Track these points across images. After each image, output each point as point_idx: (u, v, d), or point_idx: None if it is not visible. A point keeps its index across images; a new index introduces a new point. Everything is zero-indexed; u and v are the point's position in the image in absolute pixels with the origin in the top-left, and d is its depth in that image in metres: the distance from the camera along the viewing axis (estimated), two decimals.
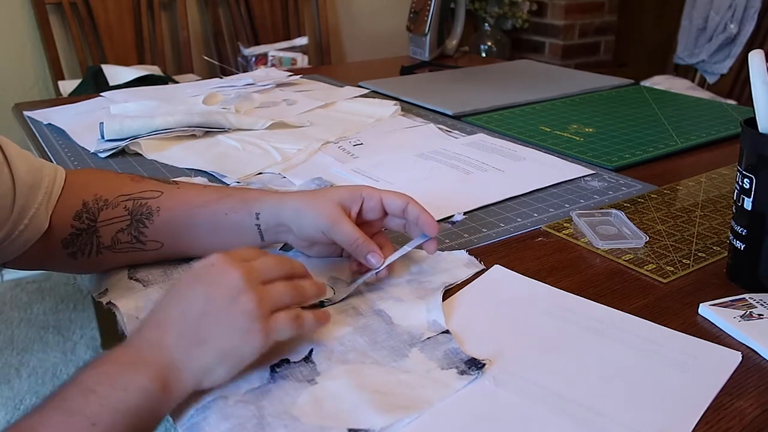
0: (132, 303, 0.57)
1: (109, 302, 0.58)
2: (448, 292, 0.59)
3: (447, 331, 0.53)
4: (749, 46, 2.13)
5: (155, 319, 0.47)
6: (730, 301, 0.57)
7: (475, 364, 0.49)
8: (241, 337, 0.45)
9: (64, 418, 0.40)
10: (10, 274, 2.18)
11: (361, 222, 0.60)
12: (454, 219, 0.63)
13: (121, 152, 0.98)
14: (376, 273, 0.58)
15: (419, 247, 0.60)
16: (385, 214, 0.61)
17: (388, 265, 0.59)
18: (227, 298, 0.46)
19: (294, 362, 0.49)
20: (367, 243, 0.58)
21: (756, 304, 0.56)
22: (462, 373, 0.48)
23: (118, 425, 0.41)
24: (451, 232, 0.71)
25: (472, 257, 0.65)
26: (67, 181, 0.63)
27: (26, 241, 0.59)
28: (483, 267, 0.64)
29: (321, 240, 0.60)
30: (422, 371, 0.48)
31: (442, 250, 0.66)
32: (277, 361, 0.49)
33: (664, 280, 0.62)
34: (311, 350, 0.51)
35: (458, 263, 0.64)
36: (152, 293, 0.58)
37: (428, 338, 0.52)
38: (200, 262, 0.48)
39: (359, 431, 0.42)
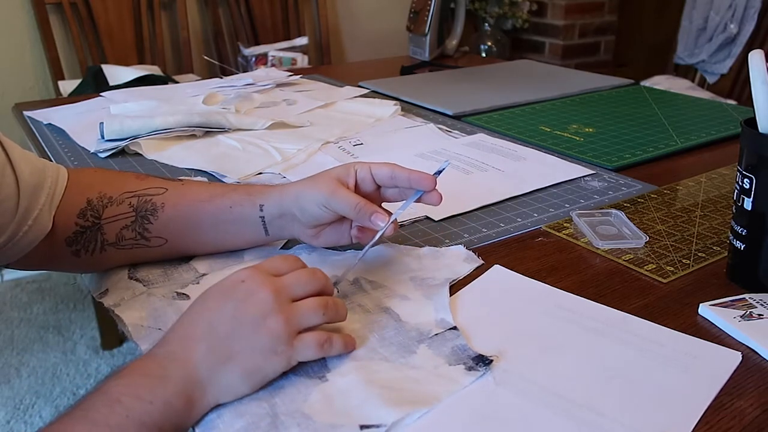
0: (136, 313, 0.57)
1: (114, 313, 0.58)
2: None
3: (455, 328, 0.53)
4: (749, 46, 2.13)
5: (182, 331, 0.47)
6: (730, 301, 0.57)
7: (482, 361, 0.49)
8: (264, 358, 0.46)
9: (88, 427, 0.40)
10: (10, 274, 2.18)
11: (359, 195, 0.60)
12: (440, 168, 0.62)
13: (121, 152, 0.98)
14: (383, 233, 0.57)
15: (420, 200, 0.60)
16: (379, 187, 0.61)
17: (393, 224, 0.58)
18: (256, 317, 0.46)
19: None
20: (369, 205, 0.57)
21: (756, 304, 0.56)
22: (469, 369, 0.48)
23: None
24: (451, 233, 0.71)
25: (470, 252, 0.66)
26: (71, 180, 0.63)
27: (30, 243, 0.59)
28: (482, 262, 0.64)
29: (325, 218, 0.59)
30: (430, 367, 0.49)
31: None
32: None
33: (664, 280, 0.62)
34: None
35: (457, 258, 0.64)
36: (155, 302, 0.58)
37: (436, 335, 0.52)
38: (230, 277, 0.48)
39: (371, 427, 0.43)
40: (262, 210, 0.61)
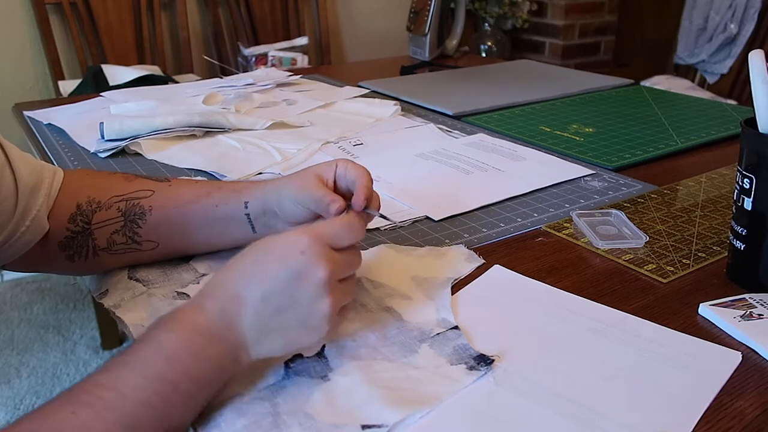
0: (136, 314, 0.57)
1: (114, 314, 0.58)
2: None
3: (456, 327, 0.53)
4: (749, 46, 2.13)
5: (233, 288, 0.46)
6: (730, 301, 0.57)
7: (483, 360, 0.49)
8: (309, 335, 0.47)
9: (146, 382, 0.41)
10: (10, 274, 2.18)
11: (342, 191, 0.58)
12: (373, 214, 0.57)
13: (121, 152, 0.98)
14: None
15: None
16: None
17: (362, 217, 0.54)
18: (310, 296, 0.46)
19: (307, 357, 0.50)
20: (329, 196, 0.55)
21: (756, 304, 0.56)
22: (471, 368, 0.48)
23: (194, 394, 0.43)
24: (451, 233, 0.71)
25: (472, 251, 0.66)
26: (63, 183, 0.63)
27: (27, 243, 0.59)
28: (483, 261, 0.64)
29: (301, 215, 0.57)
30: (432, 367, 0.49)
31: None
32: (290, 356, 0.49)
33: (664, 280, 0.62)
34: (323, 345, 0.51)
35: (459, 258, 0.65)
36: (155, 302, 0.58)
37: (438, 334, 0.53)
38: (288, 240, 0.46)
39: (372, 427, 0.43)
40: (246, 207, 0.60)
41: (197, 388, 0.43)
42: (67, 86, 1.90)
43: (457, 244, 0.68)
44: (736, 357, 0.50)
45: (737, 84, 2.16)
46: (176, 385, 0.41)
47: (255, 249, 0.48)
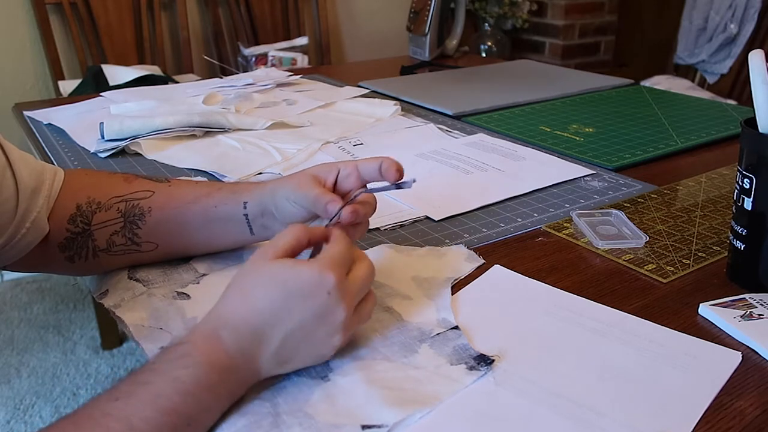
0: (137, 314, 0.57)
1: (114, 314, 0.58)
2: None
3: (456, 327, 0.53)
4: (749, 46, 2.13)
5: (253, 323, 0.45)
6: (730, 301, 0.57)
7: (483, 360, 0.49)
8: (316, 361, 0.49)
9: (159, 416, 0.41)
10: (10, 274, 2.18)
11: (342, 193, 0.57)
12: (405, 183, 0.57)
13: (121, 152, 0.98)
14: (339, 218, 0.53)
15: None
16: (364, 184, 0.57)
17: (351, 211, 0.53)
18: (326, 333, 0.47)
19: None
20: (326, 195, 0.54)
21: (756, 304, 0.56)
22: (471, 368, 0.48)
23: (205, 422, 0.43)
24: (451, 233, 0.71)
25: (472, 251, 0.66)
26: (63, 183, 0.63)
27: (28, 245, 0.59)
28: (483, 261, 0.64)
29: (297, 215, 0.57)
30: (432, 367, 0.49)
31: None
32: None
33: (664, 280, 0.62)
34: None
35: (459, 258, 0.65)
36: (155, 302, 0.58)
37: (438, 334, 0.53)
38: (316, 281, 0.46)
39: (372, 428, 0.43)
40: (245, 207, 0.60)
41: (209, 417, 0.43)
42: (67, 86, 1.90)
43: (457, 244, 0.68)
44: (736, 357, 0.50)
45: (737, 84, 2.16)
46: (190, 419, 0.42)
47: (272, 276, 0.46)
